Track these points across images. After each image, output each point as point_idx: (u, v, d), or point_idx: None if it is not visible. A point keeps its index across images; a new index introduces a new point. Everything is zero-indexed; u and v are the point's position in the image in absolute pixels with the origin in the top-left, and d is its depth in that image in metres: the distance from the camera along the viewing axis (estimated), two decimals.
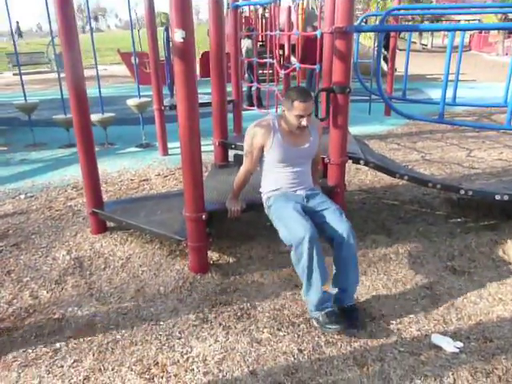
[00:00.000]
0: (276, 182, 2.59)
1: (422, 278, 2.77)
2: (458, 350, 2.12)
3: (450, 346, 2.14)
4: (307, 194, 2.57)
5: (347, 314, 2.32)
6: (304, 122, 2.42)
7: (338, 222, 2.37)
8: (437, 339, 2.19)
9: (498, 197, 3.10)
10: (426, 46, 29.17)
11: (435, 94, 10.33)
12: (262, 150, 2.56)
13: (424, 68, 15.87)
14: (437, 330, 2.28)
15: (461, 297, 2.59)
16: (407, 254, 3.06)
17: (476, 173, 4.81)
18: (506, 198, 3.09)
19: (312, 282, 2.22)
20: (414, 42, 27.81)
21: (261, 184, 2.70)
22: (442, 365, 2.04)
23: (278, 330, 2.28)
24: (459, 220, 3.60)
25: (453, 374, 1.98)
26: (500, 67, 17.18)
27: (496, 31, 23.29)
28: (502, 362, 2.06)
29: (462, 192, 3.12)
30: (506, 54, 22.27)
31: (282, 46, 7.85)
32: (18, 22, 30.71)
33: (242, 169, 2.68)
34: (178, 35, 2.29)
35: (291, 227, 2.30)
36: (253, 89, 8.01)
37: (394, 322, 2.35)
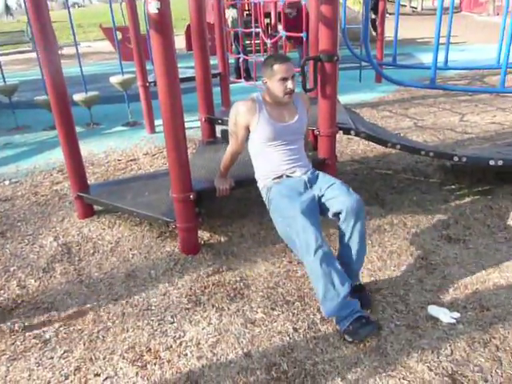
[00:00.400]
0: (270, 164, 2.43)
1: (417, 248, 2.73)
2: (454, 321, 2.09)
3: (446, 316, 2.11)
4: (309, 178, 2.39)
5: (355, 295, 2.11)
6: (290, 84, 2.29)
7: (346, 196, 2.21)
8: (433, 310, 2.16)
9: (492, 162, 3.04)
10: (415, 8, 28.58)
11: (427, 58, 10.12)
12: (247, 129, 2.43)
13: (414, 32, 15.56)
14: (433, 301, 2.25)
15: (456, 266, 2.55)
16: (402, 225, 3.01)
17: (469, 138, 4.73)
18: (500, 163, 3.03)
19: (336, 288, 2.00)
20: (404, 5, 27.21)
21: (254, 169, 2.55)
22: (439, 337, 2.01)
23: (272, 309, 2.23)
24: (453, 187, 3.54)
25: (450, 346, 1.96)
26: (491, 28, 16.88)
27: None
28: (500, 330, 2.03)
29: (456, 159, 3.05)
30: (497, 14, 21.85)
31: (268, 15, 7.60)
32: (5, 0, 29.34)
33: (229, 149, 2.57)
34: (152, 6, 2.15)
35: (301, 238, 2.08)
36: (240, 60, 7.80)
37: (389, 294, 2.32)
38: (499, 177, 3.58)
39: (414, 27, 17.12)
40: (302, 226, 2.09)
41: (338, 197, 2.24)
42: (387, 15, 8.46)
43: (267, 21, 7.76)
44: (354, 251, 2.21)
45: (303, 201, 2.20)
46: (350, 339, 2.00)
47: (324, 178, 2.40)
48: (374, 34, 10.31)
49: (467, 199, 3.31)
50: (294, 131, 2.44)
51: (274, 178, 2.43)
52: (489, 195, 3.33)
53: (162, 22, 2.21)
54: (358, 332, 1.97)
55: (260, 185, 2.52)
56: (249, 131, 2.45)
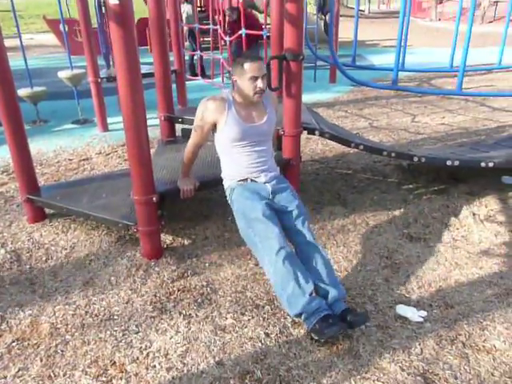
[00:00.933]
0: (236, 165, 2.40)
1: (380, 248, 2.76)
2: (422, 319, 2.13)
3: (414, 315, 2.14)
4: (274, 188, 2.38)
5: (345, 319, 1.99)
6: (260, 83, 2.25)
7: (300, 229, 2.27)
8: (401, 310, 2.19)
9: (449, 162, 3.14)
10: (363, 11, 29.40)
11: (377, 59, 10.47)
12: (213, 125, 2.37)
13: (363, 34, 15.93)
14: (400, 300, 2.28)
15: (419, 264, 2.60)
16: (364, 224, 3.04)
17: (422, 138, 4.89)
18: (456, 163, 3.13)
19: (301, 286, 2.00)
20: (352, 8, 27.95)
21: (221, 168, 2.52)
22: (409, 336, 2.03)
23: (242, 314, 2.17)
24: (411, 186, 3.63)
25: (419, 345, 1.98)
26: (434, 32, 17.69)
27: None
28: (464, 327, 2.09)
29: (416, 159, 3.13)
30: (439, 20, 22.95)
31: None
32: None
33: (190, 142, 2.50)
34: None
35: (263, 239, 2.13)
36: (195, 57, 7.66)
37: (358, 295, 2.32)
38: (452, 176, 3.72)
39: (362, 29, 17.51)
40: (265, 227, 2.15)
41: (292, 228, 2.28)
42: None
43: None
44: (318, 278, 2.13)
45: (265, 204, 2.26)
46: (316, 337, 1.97)
47: (288, 195, 2.39)
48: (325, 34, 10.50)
49: (425, 198, 3.40)
50: (262, 132, 2.41)
51: (239, 180, 2.41)
52: (444, 194, 3.44)
53: (123, 14, 2.07)
54: (324, 332, 1.93)
55: (225, 184, 2.50)
56: (215, 127, 2.39)
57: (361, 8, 29.88)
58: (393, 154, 3.13)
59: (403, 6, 2.91)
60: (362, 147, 3.09)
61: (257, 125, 2.38)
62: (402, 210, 3.23)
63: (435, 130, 5.17)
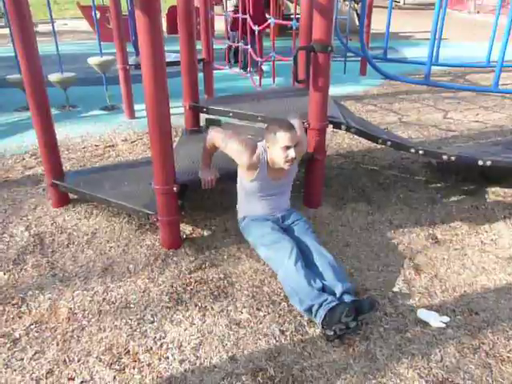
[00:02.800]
0: (253, 206, 2.53)
1: (404, 248, 2.68)
2: (444, 325, 2.05)
3: (436, 321, 2.07)
4: (283, 215, 2.54)
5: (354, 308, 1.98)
6: (292, 153, 2.26)
7: (304, 235, 2.39)
8: (423, 314, 2.11)
9: (480, 162, 3.01)
10: (398, 2, 28.61)
11: (410, 52, 10.15)
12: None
13: (397, 26, 15.53)
14: (422, 303, 2.21)
15: (444, 267, 2.51)
16: (388, 223, 2.95)
17: (453, 135, 4.72)
18: (488, 163, 3.00)
19: (311, 283, 2.06)
20: None
21: (237, 201, 2.65)
22: (429, 341, 1.97)
23: (258, 309, 2.14)
24: (439, 185, 3.51)
25: (440, 352, 1.91)
26: (471, 25, 17.05)
27: None
28: (489, 335, 2.00)
29: (445, 158, 3.01)
30: (478, 12, 22.13)
31: None
32: None
33: (212, 142, 2.51)
34: None
35: (276, 248, 2.26)
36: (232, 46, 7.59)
37: (378, 296, 2.26)
38: (483, 175, 3.58)
39: (397, 21, 17.07)
40: (274, 237, 2.32)
41: (299, 236, 2.40)
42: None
43: None
44: (329, 274, 2.18)
45: (272, 222, 2.45)
46: (329, 332, 1.94)
47: (295, 216, 2.55)
48: (357, 25, 10.28)
49: (453, 198, 3.28)
50: (283, 185, 2.56)
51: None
52: (474, 195, 3.31)
53: (150, 2, 2.05)
54: (332, 318, 1.91)
55: (239, 214, 2.63)
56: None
57: None
58: (421, 152, 3.01)
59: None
60: (389, 143, 2.98)
61: (279, 181, 2.48)
62: (428, 209, 3.13)
63: (468, 128, 4.98)
